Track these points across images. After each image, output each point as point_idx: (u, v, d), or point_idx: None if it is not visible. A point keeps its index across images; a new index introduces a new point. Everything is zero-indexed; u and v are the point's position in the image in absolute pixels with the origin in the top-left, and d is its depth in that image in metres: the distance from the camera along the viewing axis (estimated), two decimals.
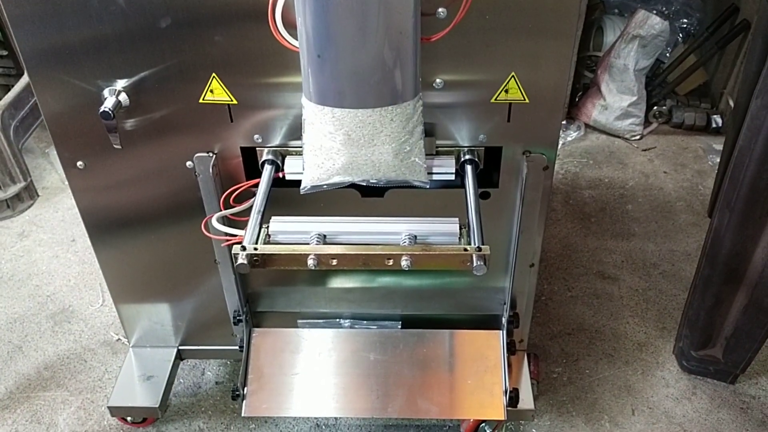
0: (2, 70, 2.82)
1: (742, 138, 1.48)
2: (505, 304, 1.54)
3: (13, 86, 2.57)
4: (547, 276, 2.16)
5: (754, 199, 1.49)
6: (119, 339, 1.93)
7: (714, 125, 2.90)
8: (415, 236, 1.12)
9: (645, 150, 2.83)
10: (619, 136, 2.91)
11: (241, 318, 1.54)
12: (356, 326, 1.59)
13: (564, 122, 2.96)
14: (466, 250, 1.08)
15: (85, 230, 1.44)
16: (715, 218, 1.60)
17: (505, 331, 1.55)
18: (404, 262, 1.07)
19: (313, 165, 1.15)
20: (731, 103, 2.80)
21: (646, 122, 2.96)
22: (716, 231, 1.60)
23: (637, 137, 2.89)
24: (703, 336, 1.75)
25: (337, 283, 1.56)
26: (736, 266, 1.60)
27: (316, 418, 1.70)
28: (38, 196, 2.55)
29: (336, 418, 1.71)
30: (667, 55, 2.98)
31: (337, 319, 1.59)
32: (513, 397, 1.50)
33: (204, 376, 1.83)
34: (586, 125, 2.96)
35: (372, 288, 1.56)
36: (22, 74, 2.62)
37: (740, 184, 1.49)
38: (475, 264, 1.07)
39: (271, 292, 1.57)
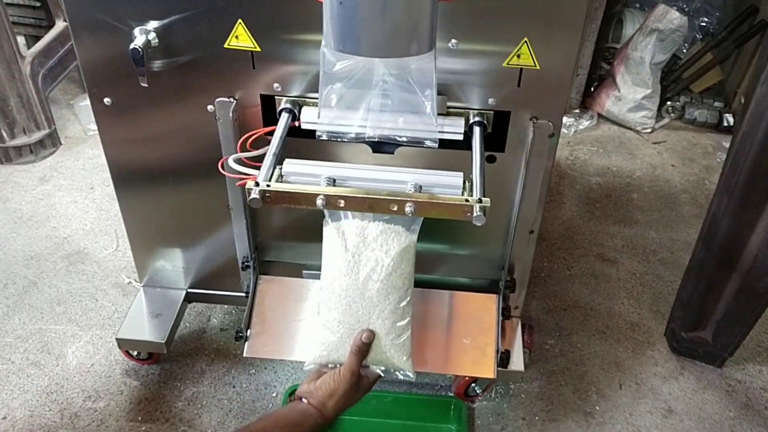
0: (34, 21, 2.90)
1: (745, 124, 1.52)
2: (503, 269, 1.59)
3: (43, 37, 2.65)
4: (548, 254, 2.21)
5: (753, 185, 1.53)
6: (130, 282, 2.01)
7: (726, 124, 2.93)
8: (420, 186, 1.17)
9: (655, 143, 2.88)
10: (630, 128, 2.95)
11: (249, 264, 1.60)
12: None
13: (577, 111, 3.00)
14: (467, 200, 1.13)
15: (108, 170, 1.50)
16: (714, 202, 1.64)
17: (501, 296, 1.60)
18: (408, 208, 1.13)
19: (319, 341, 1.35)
20: None
21: (659, 116, 2.99)
22: (714, 215, 1.64)
23: (649, 130, 2.93)
24: (695, 318, 1.80)
25: None
26: (731, 251, 1.64)
27: None
28: (61, 144, 2.65)
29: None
30: (684, 51, 3.01)
31: None
32: (504, 358, 1.55)
33: (209, 322, 1.90)
34: (599, 115, 3.01)
35: None
36: (53, 26, 2.70)
37: (740, 170, 1.54)
38: (475, 214, 1.12)
39: (279, 244, 1.63)
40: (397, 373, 1.35)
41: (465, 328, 1.59)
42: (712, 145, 2.87)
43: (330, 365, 1.33)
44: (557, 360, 1.85)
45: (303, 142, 1.35)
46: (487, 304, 1.61)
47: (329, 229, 1.32)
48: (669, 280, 2.12)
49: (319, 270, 1.64)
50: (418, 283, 1.63)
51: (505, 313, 1.62)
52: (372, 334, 1.29)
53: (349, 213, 1.29)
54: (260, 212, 1.55)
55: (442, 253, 1.61)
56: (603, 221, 2.38)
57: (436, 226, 1.51)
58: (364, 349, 1.29)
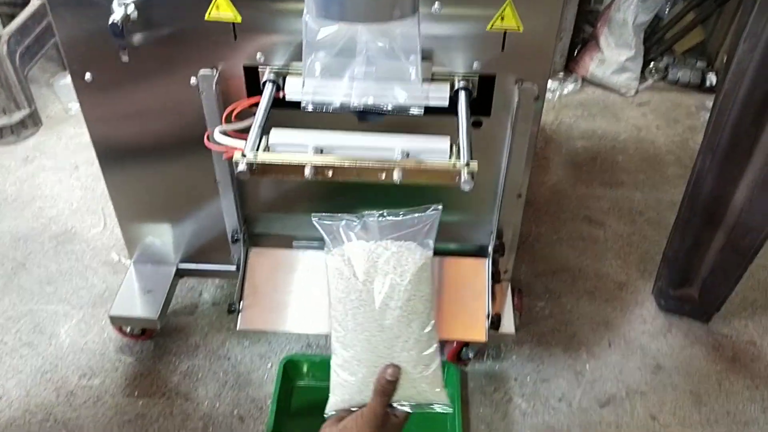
0: None
1: (727, 82, 1.53)
2: (491, 234, 1.60)
3: (18, 15, 2.60)
4: (536, 219, 2.23)
5: (736, 143, 1.55)
6: (120, 260, 2.00)
7: (708, 83, 2.94)
8: (408, 152, 1.18)
9: (639, 105, 2.88)
10: (614, 91, 2.95)
11: (238, 237, 1.60)
12: None
13: (561, 75, 3.00)
14: (455, 165, 1.14)
15: (92, 148, 1.48)
16: (698, 161, 1.66)
17: (490, 260, 1.62)
18: (396, 175, 1.14)
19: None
20: None
21: (642, 78, 3.00)
22: (698, 174, 1.66)
23: (633, 92, 2.93)
24: (681, 276, 1.83)
25: (332, 209, 1.62)
26: (715, 208, 1.66)
27: (307, 337, 1.79)
28: (42, 124, 2.61)
29: (326, 339, 1.79)
30: (666, 11, 3.01)
31: None
32: (495, 321, 1.57)
33: (201, 297, 1.91)
34: (583, 79, 3.00)
35: None
36: (27, 3, 2.65)
37: (723, 128, 1.55)
38: (463, 179, 1.13)
39: (268, 216, 1.63)
40: (433, 407, 1.18)
41: (455, 294, 1.60)
42: (696, 105, 2.89)
43: (354, 408, 1.15)
44: (547, 322, 1.87)
45: (288, 114, 1.33)
46: (477, 269, 1.63)
47: (333, 258, 1.16)
48: (655, 239, 2.14)
49: (310, 240, 1.66)
50: None
51: (495, 277, 1.64)
52: (397, 370, 1.12)
53: (352, 235, 1.16)
54: (248, 185, 1.55)
55: None
56: (589, 184, 2.40)
57: (424, 193, 1.52)
58: (389, 388, 1.11)
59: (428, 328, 1.15)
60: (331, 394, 1.18)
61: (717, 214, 1.66)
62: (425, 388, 1.15)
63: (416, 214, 1.17)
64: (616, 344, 1.81)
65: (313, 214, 1.12)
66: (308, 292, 1.60)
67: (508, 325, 1.62)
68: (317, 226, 1.17)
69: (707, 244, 1.73)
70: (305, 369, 1.65)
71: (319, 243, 1.64)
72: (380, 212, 1.15)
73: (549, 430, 1.60)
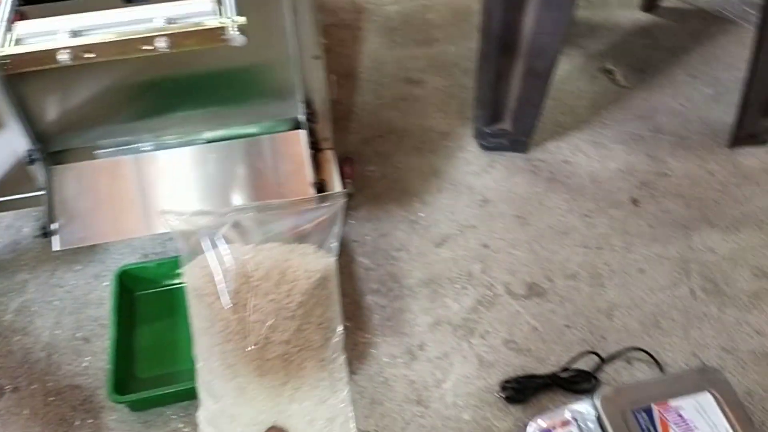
0: None
1: None
2: (300, 103, 1.59)
3: None
4: (358, 89, 2.23)
5: None
6: None
7: None
8: (172, 19, 1.12)
9: None
10: None
11: (35, 157, 1.50)
12: (159, 150, 1.59)
13: None
14: (222, 22, 1.10)
15: None
16: None
17: (306, 129, 1.61)
18: (162, 44, 1.08)
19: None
20: None
21: None
22: (487, 6, 1.70)
23: None
24: (493, 112, 1.91)
25: (131, 112, 1.54)
26: (508, 37, 1.72)
27: (143, 248, 1.74)
28: None
29: (163, 246, 1.75)
30: None
31: (138, 146, 1.58)
32: (320, 187, 1.59)
33: (21, 233, 1.79)
34: None
35: (168, 114, 1.56)
36: None
37: None
38: (233, 35, 1.09)
39: (64, 131, 1.53)
40: None
41: (278, 170, 1.59)
42: None
43: None
44: (380, 183, 1.92)
45: (45, 9, 1.23)
46: (294, 140, 1.62)
47: (190, 273, 0.86)
48: (471, 87, 2.20)
49: (111, 147, 1.58)
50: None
51: (316, 146, 1.64)
52: None
53: (219, 239, 0.82)
54: (31, 98, 1.44)
55: (238, 103, 1.58)
56: (405, 47, 2.42)
57: (218, 79, 1.48)
58: None
59: (331, 367, 0.83)
60: None
61: (511, 42, 1.73)
62: None
63: (313, 206, 0.86)
64: (446, 189, 1.89)
65: (163, 212, 0.85)
66: (121, 199, 1.54)
67: (336, 189, 1.64)
68: (169, 229, 0.83)
69: (508, 75, 1.80)
70: (142, 277, 1.61)
71: (125, 148, 1.59)
72: (258, 203, 0.80)
73: (392, 278, 1.67)
